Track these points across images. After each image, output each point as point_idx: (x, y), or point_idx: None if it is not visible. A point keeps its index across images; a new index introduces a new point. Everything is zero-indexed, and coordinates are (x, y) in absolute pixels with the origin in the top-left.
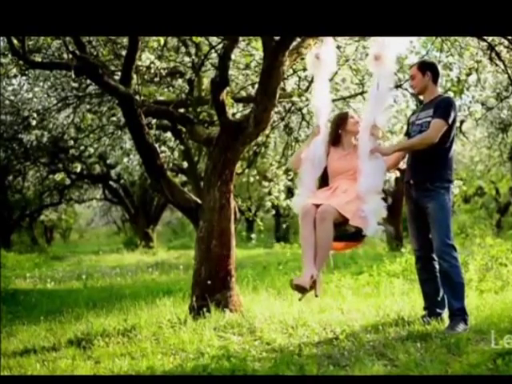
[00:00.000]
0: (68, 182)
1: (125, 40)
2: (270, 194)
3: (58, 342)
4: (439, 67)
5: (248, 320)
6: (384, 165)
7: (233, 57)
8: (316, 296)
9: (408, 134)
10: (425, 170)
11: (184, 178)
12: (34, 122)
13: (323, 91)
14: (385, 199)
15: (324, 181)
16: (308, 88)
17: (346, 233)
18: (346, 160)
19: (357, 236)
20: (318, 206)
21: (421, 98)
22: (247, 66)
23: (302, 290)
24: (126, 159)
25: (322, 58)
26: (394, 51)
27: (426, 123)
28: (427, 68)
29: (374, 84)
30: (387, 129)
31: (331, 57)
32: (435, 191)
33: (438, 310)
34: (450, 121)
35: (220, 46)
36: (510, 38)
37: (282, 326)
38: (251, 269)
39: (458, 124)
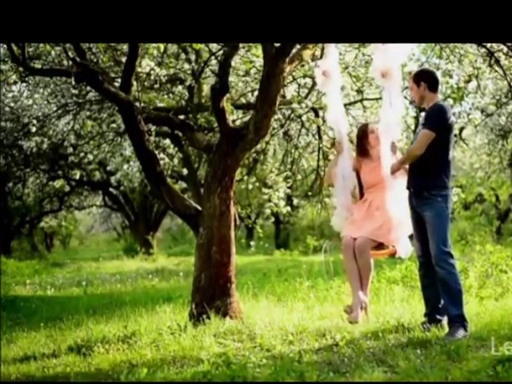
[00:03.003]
0: (68, 188)
1: (125, 47)
2: (269, 200)
3: (58, 349)
4: (439, 74)
5: (248, 327)
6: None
7: (233, 63)
8: (368, 321)
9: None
10: (422, 178)
11: (184, 185)
12: (33, 129)
13: (337, 106)
14: None
15: (362, 191)
16: (308, 95)
17: (385, 249)
18: (375, 173)
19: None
20: (355, 238)
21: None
22: (247, 73)
23: (355, 323)
24: (125, 166)
25: (330, 74)
26: (398, 64)
27: (420, 132)
28: (420, 78)
29: (386, 101)
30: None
31: (336, 69)
32: (432, 199)
33: (439, 317)
34: (438, 128)
35: (220, 52)
36: (509, 44)
37: (282, 333)
38: (251, 276)
39: (455, 131)
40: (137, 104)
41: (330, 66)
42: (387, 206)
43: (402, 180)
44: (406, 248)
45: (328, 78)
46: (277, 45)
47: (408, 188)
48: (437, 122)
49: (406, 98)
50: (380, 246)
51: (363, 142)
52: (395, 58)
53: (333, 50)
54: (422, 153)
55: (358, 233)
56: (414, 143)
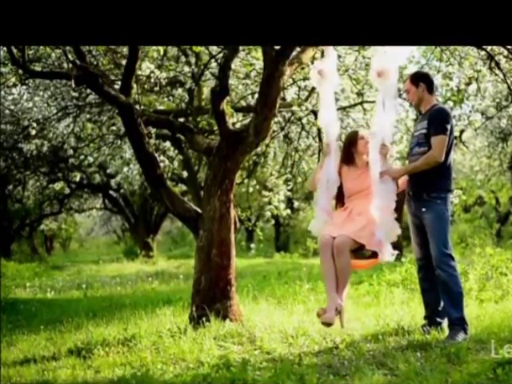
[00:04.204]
0: (68, 191)
1: (125, 49)
2: (269, 203)
3: (58, 352)
4: (439, 76)
5: (248, 329)
6: (395, 186)
7: (233, 66)
8: (342, 327)
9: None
10: (421, 181)
11: (184, 188)
12: (33, 132)
13: (330, 108)
14: (398, 219)
15: (340, 199)
16: (308, 98)
17: (364, 256)
18: (360, 180)
19: (375, 256)
20: (334, 237)
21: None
22: (247, 76)
23: (329, 325)
24: (125, 168)
25: (326, 74)
26: (396, 65)
27: (421, 135)
28: (420, 79)
29: (380, 102)
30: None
31: (334, 70)
32: (432, 202)
33: (439, 320)
34: (448, 132)
35: (220, 55)
36: (509, 47)
37: (282, 336)
38: (251, 278)
39: (455, 134)
40: (137, 107)
41: (327, 66)
42: (370, 212)
43: (388, 184)
44: (388, 252)
45: (323, 78)
46: (277, 47)
47: (407, 192)
48: (445, 125)
49: (405, 99)
50: (360, 249)
51: (350, 149)
52: (393, 59)
53: (331, 51)
54: (443, 160)
55: (338, 232)
56: (432, 149)
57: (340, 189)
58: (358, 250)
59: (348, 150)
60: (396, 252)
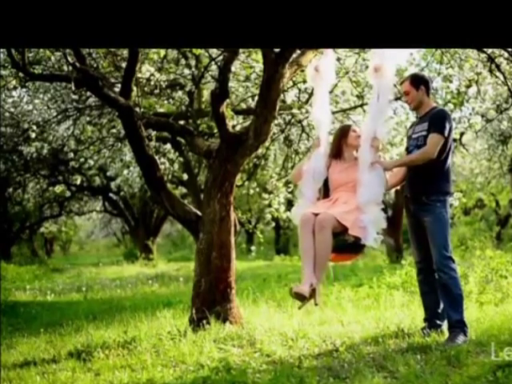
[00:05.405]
0: (68, 194)
1: (125, 52)
2: (270, 206)
3: (57, 354)
4: (439, 79)
5: (248, 332)
6: (384, 176)
7: (233, 69)
8: (316, 305)
9: (407, 149)
10: (420, 184)
11: (184, 190)
12: (33, 134)
13: (323, 103)
14: (384, 210)
15: (325, 193)
16: (308, 100)
17: (345, 242)
18: (346, 172)
19: (356, 246)
20: (317, 214)
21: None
22: (247, 78)
23: (301, 298)
24: (125, 171)
25: (322, 71)
26: (394, 63)
27: (421, 137)
28: (420, 82)
29: (374, 96)
30: (387, 141)
31: (331, 69)
32: (431, 205)
33: (439, 322)
34: (446, 133)
35: (220, 58)
36: (509, 49)
37: (282, 338)
38: (251, 281)
39: (455, 136)
40: (137, 109)
41: (323, 63)
42: (355, 201)
43: (378, 174)
44: (372, 236)
45: (318, 74)
46: (277, 50)
47: (405, 194)
48: (445, 126)
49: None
50: (342, 234)
51: (340, 141)
52: (391, 57)
53: (330, 50)
54: (435, 156)
55: (321, 211)
56: (425, 146)
57: (325, 184)
58: (340, 235)
59: (338, 143)
60: (380, 237)
